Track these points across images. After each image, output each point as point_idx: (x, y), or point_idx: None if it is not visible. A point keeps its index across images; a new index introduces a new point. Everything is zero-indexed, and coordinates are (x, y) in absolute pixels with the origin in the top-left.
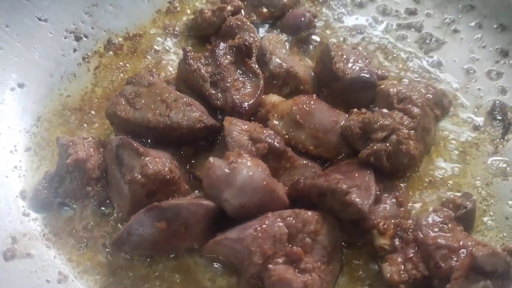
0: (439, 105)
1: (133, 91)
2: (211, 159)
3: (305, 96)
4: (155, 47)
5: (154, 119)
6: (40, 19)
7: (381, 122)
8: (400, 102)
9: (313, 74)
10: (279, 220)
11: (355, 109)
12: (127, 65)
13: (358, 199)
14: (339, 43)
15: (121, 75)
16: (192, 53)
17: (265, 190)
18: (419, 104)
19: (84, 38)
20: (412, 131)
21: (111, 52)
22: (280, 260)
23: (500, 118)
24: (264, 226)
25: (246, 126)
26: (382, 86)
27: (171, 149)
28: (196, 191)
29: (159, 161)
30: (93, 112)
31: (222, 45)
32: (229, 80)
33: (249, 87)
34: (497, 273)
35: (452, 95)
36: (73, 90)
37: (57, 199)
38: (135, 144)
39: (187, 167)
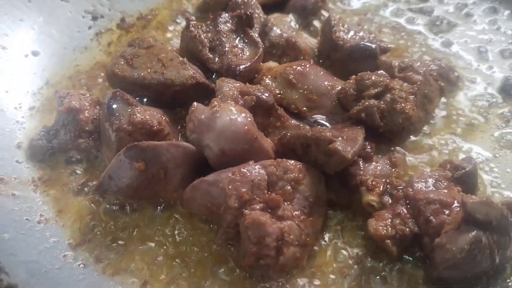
0: (445, 77)
1: (132, 52)
2: (194, 103)
3: (301, 61)
4: (165, 27)
5: (149, 76)
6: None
7: (373, 78)
8: (401, 71)
9: (316, 51)
10: (259, 167)
11: (353, 76)
12: None
13: (341, 147)
14: (342, 16)
15: None
16: (194, 22)
17: (246, 137)
18: (420, 71)
19: (100, 18)
20: (412, 96)
21: (123, 30)
22: (257, 207)
23: None
24: (243, 170)
25: (237, 84)
26: (384, 59)
27: (166, 109)
28: None
29: (149, 113)
30: (100, 80)
31: (223, 14)
32: (227, 46)
33: (247, 54)
34: (491, 225)
35: (462, 71)
36: (84, 61)
37: (50, 150)
38: (127, 96)
39: (179, 128)
